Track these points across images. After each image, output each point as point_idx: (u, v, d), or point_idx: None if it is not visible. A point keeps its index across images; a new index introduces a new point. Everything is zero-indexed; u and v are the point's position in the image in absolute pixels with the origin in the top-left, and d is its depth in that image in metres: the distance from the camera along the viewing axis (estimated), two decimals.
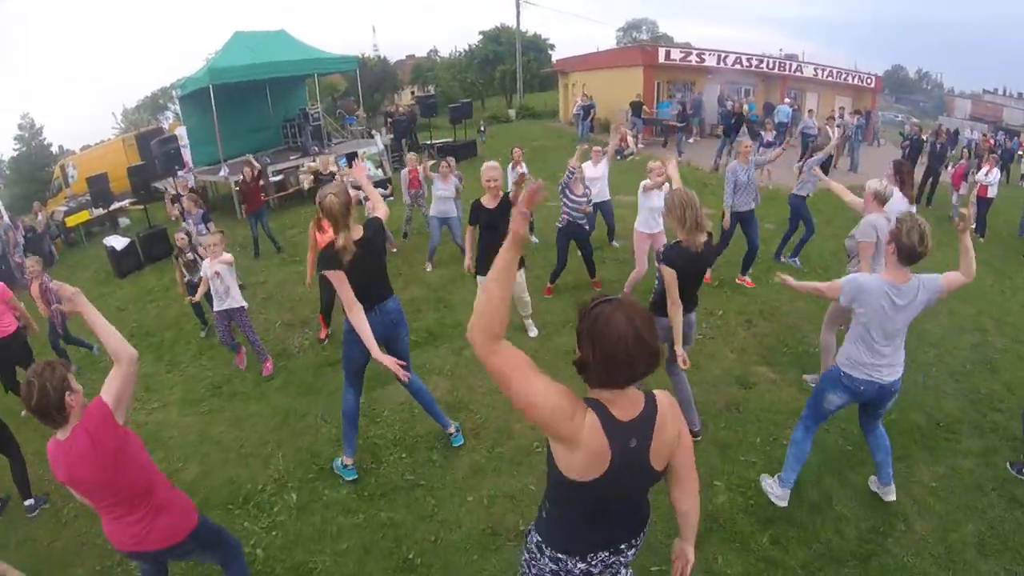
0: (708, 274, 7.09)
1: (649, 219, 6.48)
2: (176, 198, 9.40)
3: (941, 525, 3.59)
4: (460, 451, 4.34)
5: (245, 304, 5.85)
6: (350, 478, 4.12)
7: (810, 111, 18.21)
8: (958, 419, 4.68)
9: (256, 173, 10.05)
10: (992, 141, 17.69)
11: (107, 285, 9.94)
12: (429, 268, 8.31)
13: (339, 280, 3.50)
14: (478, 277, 5.35)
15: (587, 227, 6.89)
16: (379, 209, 3.85)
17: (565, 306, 6.78)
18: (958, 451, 4.29)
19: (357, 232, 3.61)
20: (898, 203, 5.49)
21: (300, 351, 6.29)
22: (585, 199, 6.60)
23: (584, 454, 1.69)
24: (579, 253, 6.93)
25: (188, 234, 6.92)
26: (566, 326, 6.29)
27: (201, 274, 5.83)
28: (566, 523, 1.91)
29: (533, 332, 6.11)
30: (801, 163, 8.05)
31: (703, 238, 3.79)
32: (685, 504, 2.01)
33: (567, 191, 6.50)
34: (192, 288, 6.41)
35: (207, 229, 8.16)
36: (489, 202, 5.24)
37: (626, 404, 1.76)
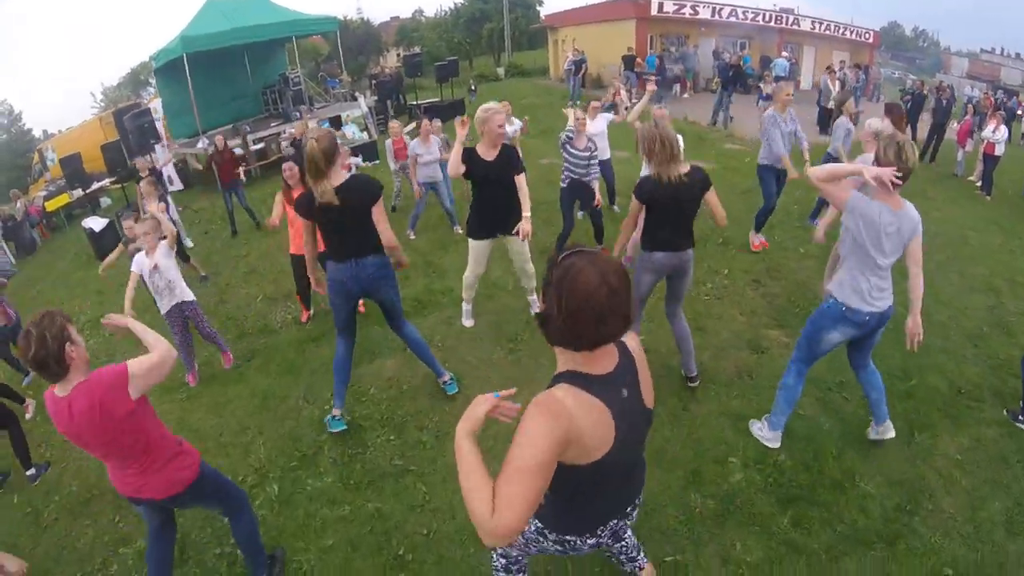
0: (758, 240, 6.77)
1: None
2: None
3: (968, 502, 3.38)
4: (452, 432, 3.99)
5: (193, 297, 5.05)
6: (337, 429, 4.04)
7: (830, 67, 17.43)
8: (978, 385, 4.46)
9: (225, 144, 9.53)
10: (993, 99, 17.20)
11: (89, 268, 9.38)
12: (412, 236, 7.80)
13: (307, 227, 3.59)
14: (471, 241, 4.81)
15: (593, 183, 6.33)
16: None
17: None
18: (981, 420, 4.06)
19: (339, 179, 3.42)
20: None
21: (283, 326, 5.94)
22: (588, 154, 6.04)
23: (587, 438, 1.55)
24: (584, 214, 6.50)
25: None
26: None
27: (133, 270, 4.82)
28: (572, 507, 1.79)
29: (537, 308, 5.29)
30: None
31: (680, 168, 3.68)
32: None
33: (568, 147, 6.04)
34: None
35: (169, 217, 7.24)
36: (487, 152, 4.46)
37: (600, 357, 1.63)
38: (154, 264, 4.73)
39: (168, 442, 2.59)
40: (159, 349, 2.45)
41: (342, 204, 3.38)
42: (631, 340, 1.76)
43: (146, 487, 2.54)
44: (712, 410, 4.12)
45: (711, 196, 3.83)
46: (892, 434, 3.71)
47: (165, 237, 4.82)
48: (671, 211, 3.78)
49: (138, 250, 4.90)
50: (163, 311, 4.95)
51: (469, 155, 4.41)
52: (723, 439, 3.85)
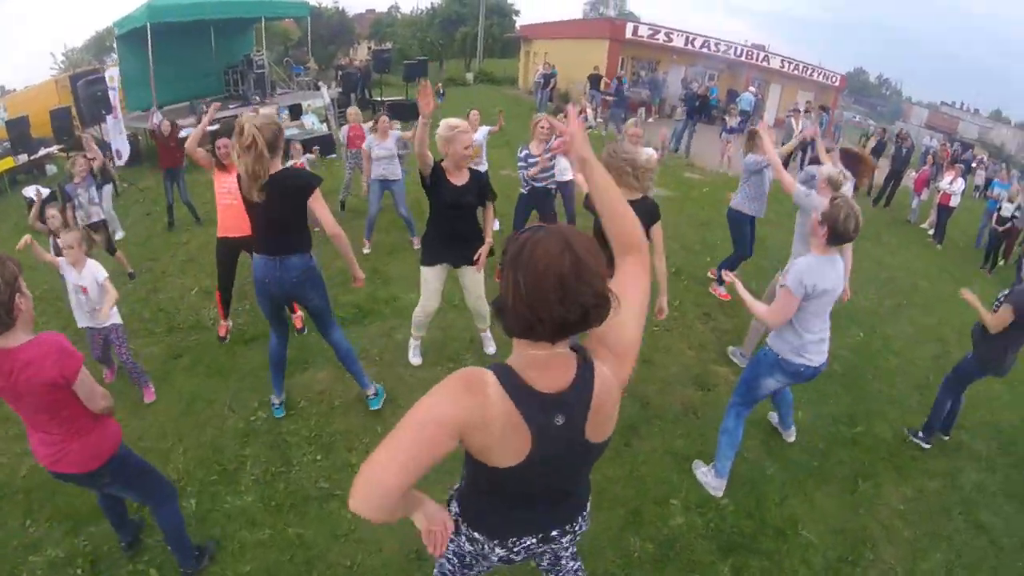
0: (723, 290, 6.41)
1: None
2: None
3: (910, 552, 3.43)
4: None
5: (120, 321, 4.41)
6: (278, 415, 4.10)
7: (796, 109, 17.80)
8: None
9: (172, 129, 8.69)
10: (950, 151, 17.96)
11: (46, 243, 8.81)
12: (367, 249, 7.09)
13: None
14: (423, 268, 4.31)
15: (553, 192, 6.13)
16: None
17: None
18: (924, 471, 4.15)
19: (275, 167, 3.26)
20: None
21: (215, 323, 5.56)
22: (547, 155, 5.68)
23: (491, 437, 1.35)
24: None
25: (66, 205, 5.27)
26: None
27: (63, 276, 4.21)
28: (483, 503, 1.63)
29: (491, 348, 4.97)
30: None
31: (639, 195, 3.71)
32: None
33: (528, 154, 5.82)
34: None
35: (99, 202, 6.70)
36: (456, 175, 4.02)
37: (551, 370, 1.38)
38: (81, 286, 4.10)
39: (86, 417, 2.46)
40: (102, 401, 2.44)
41: (269, 197, 3.24)
42: (606, 367, 1.46)
43: (65, 458, 2.44)
44: (656, 447, 4.04)
45: (656, 231, 3.78)
46: (793, 439, 4.16)
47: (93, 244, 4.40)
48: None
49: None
50: (79, 324, 4.33)
51: (436, 173, 3.95)
52: (665, 479, 3.77)
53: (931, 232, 11.33)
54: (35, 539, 3.28)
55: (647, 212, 3.63)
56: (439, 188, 3.96)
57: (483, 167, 6.96)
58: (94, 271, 4.10)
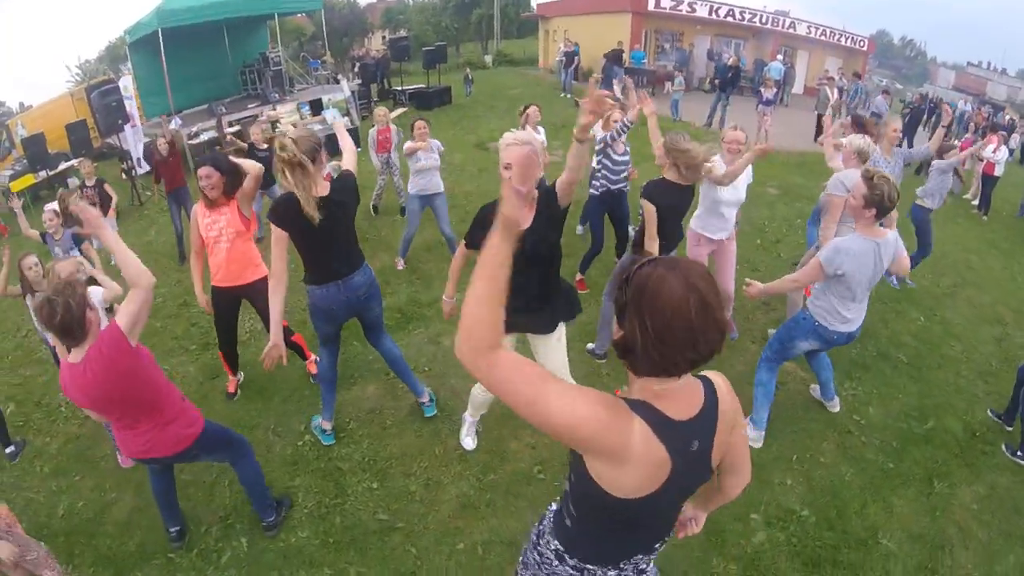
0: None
1: (711, 217, 4.55)
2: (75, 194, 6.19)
3: (985, 555, 3.31)
4: (444, 479, 3.56)
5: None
6: (327, 443, 3.89)
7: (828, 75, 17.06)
8: (991, 427, 4.34)
9: (171, 147, 7.49)
10: (985, 115, 17.16)
11: (51, 259, 8.70)
12: (401, 265, 6.51)
13: (278, 241, 3.05)
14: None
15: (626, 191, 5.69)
16: (349, 161, 3.37)
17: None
18: (995, 466, 3.97)
19: (323, 189, 3.05)
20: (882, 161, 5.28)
21: (251, 336, 5.35)
22: (628, 160, 5.44)
23: (636, 471, 1.31)
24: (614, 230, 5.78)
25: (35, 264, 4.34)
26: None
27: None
28: (599, 535, 1.57)
29: None
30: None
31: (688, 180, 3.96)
32: (735, 491, 1.77)
33: (608, 152, 5.36)
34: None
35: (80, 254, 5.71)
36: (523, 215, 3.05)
37: (682, 398, 1.38)
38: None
39: (174, 396, 2.77)
40: (140, 284, 2.51)
41: (329, 216, 3.02)
42: (718, 378, 1.49)
43: (155, 446, 2.71)
44: None
45: None
46: (837, 409, 4.23)
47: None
48: (674, 213, 4.05)
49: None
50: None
51: (488, 217, 2.52)
52: (745, 492, 3.46)
53: (975, 203, 10.82)
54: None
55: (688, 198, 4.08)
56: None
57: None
58: (95, 296, 3.71)
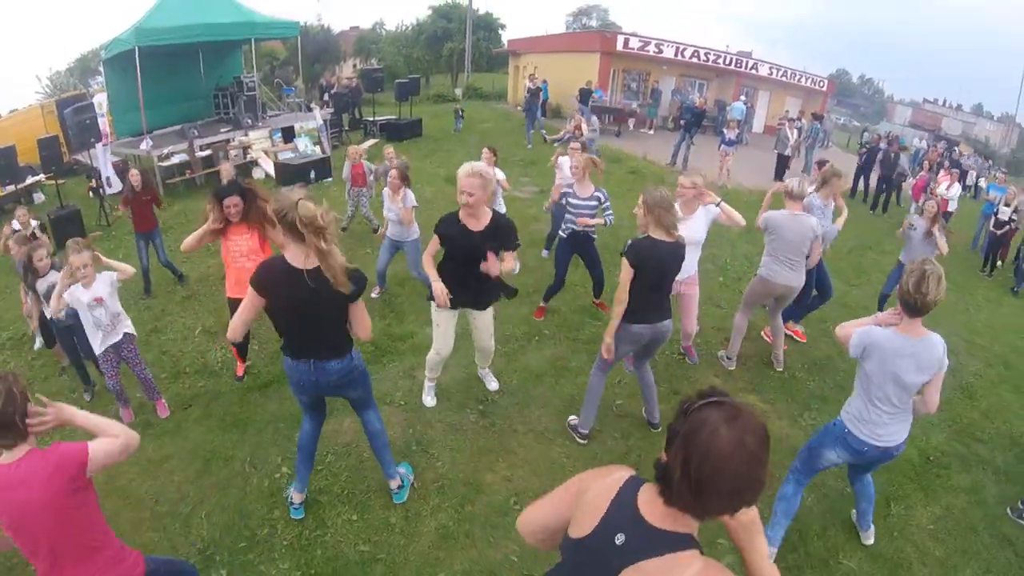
0: (800, 330, 6.19)
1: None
2: (28, 237, 6.00)
3: (943, 571, 3.52)
4: (423, 511, 3.62)
5: (133, 331, 4.56)
6: (296, 516, 3.56)
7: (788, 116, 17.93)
8: (945, 452, 4.64)
9: (142, 180, 7.25)
10: (939, 152, 18.08)
11: (12, 275, 8.48)
12: (376, 293, 6.62)
13: (251, 304, 2.85)
14: (435, 312, 4.21)
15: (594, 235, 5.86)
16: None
17: (528, 313, 6.18)
18: (950, 488, 4.24)
19: (310, 261, 2.72)
20: (818, 202, 5.58)
21: (223, 367, 5.35)
22: (595, 202, 5.55)
23: None
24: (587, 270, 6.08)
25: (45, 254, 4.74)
26: (532, 340, 5.70)
27: (66, 299, 4.22)
28: None
29: (493, 384, 4.88)
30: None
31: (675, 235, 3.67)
32: None
33: (570, 199, 5.58)
34: (66, 332, 4.80)
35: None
36: (472, 222, 3.86)
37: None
38: (95, 297, 4.19)
39: (112, 541, 2.25)
40: (124, 437, 2.16)
41: (312, 296, 2.75)
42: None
43: None
44: None
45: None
46: (872, 541, 3.66)
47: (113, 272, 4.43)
48: (661, 276, 3.74)
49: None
50: (97, 350, 4.35)
51: (449, 224, 3.87)
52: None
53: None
54: None
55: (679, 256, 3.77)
56: (453, 237, 3.87)
57: (501, 208, 6.80)
58: (103, 279, 4.30)
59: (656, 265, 3.65)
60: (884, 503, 3.94)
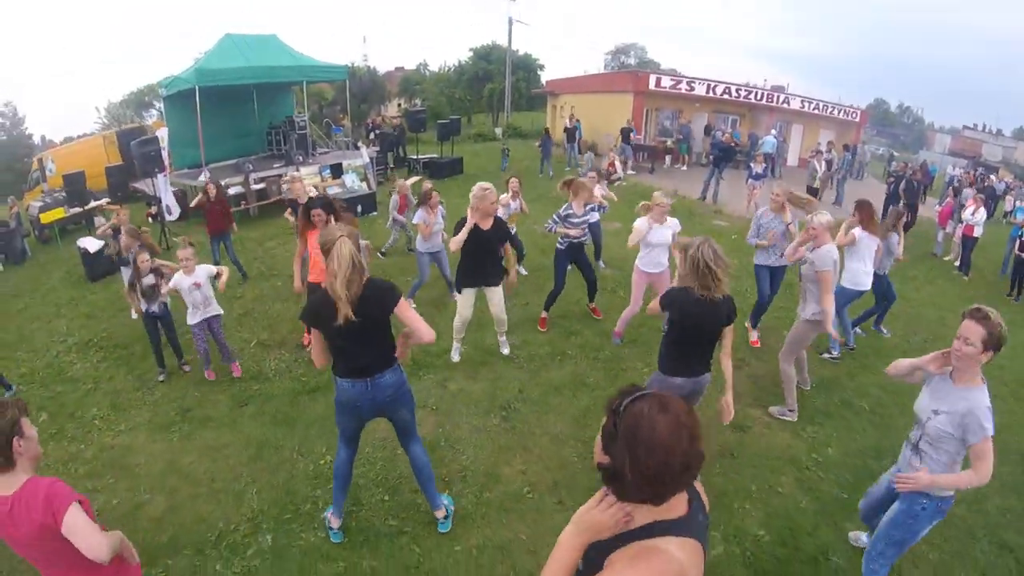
0: (755, 336, 6.81)
1: (650, 257, 6.06)
2: (116, 231, 7.59)
3: (934, 574, 3.61)
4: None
5: (221, 311, 5.97)
6: (336, 540, 3.74)
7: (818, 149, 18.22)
8: None
9: (217, 192, 8.88)
10: (974, 177, 18.01)
11: (78, 288, 9.44)
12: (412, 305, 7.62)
13: (316, 337, 3.22)
14: (464, 290, 5.67)
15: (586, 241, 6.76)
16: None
17: (553, 337, 6.63)
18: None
19: (356, 288, 3.05)
20: (865, 241, 6.08)
21: (276, 375, 5.98)
22: (586, 217, 6.46)
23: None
24: (582, 274, 6.90)
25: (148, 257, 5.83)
26: (555, 359, 6.14)
27: (172, 286, 5.64)
28: None
29: (506, 350, 6.25)
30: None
31: (719, 295, 3.50)
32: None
33: (568, 220, 6.34)
34: (152, 321, 5.90)
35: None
36: (484, 223, 5.34)
37: (675, 505, 1.48)
38: (195, 282, 5.63)
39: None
40: (101, 548, 2.14)
41: (359, 317, 3.03)
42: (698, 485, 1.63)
43: None
44: None
45: (729, 330, 3.69)
46: None
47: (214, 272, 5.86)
48: (698, 330, 3.61)
49: (148, 284, 5.74)
50: (192, 322, 5.77)
51: (468, 227, 5.30)
52: None
53: (957, 264, 11.31)
54: None
55: (729, 312, 3.62)
56: (470, 236, 5.24)
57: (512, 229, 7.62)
58: (203, 269, 5.74)
59: (692, 321, 3.57)
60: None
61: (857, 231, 6.08)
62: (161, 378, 6.03)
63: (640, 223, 5.92)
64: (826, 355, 6.48)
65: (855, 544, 3.78)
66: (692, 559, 1.41)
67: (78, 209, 13.28)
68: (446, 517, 3.85)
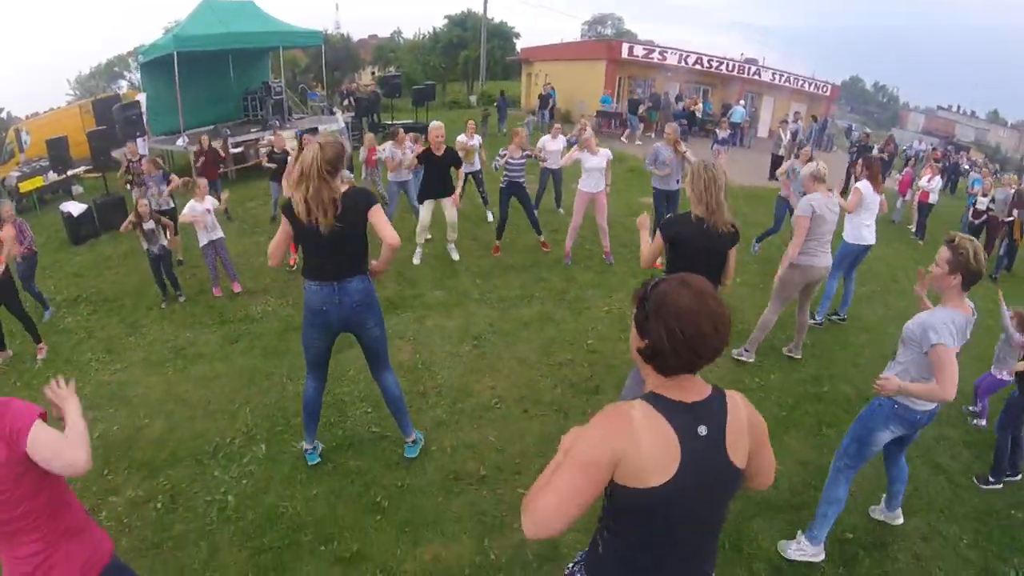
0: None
1: (589, 179, 7.41)
2: (130, 165, 9.17)
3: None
4: (423, 407, 4.56)
5: (223, 235, 7.07)
6: (312, 462, 3.95)
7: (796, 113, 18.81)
8: None
9: (209, 144, 10.51)
10: (940, 153, 18.63)
11: (62, 252, 9.59)
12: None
13: (283, 228, 3.25)
14: (424, 202, 7.40)
15: (524, 183, 7.92)
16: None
17: (524, 282, 7.09)
18: None
19: (338, 188, 3.17)
20: (871, 196, 6.21)
21: (263, 316, 6.37)
22: (523, 162, 7.79)
23: (643, 455, 1.43)
24: (524, 212, 8.11)
25: (148, 203, 6.99)
26: (524, 300, 6.60)
27: (187, 212, 6.78)
28: (625, 558, 1.60)
29: (455, 255, 7.85)
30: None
31: (724, 220, 3.50)
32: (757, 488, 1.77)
33: (509, 160, 7.68)
34: (155, 259, 6.85)
35: (167, 190, 8.44)
36: (437, 150, 7.09)
37: (688, 387, 1.52)
38: (207, 208, 6.82)
39: (77, 509, 2.03)
40: (78, 452, 1.84)
41: (340, 222, 3.14)
42: (737, 396, 1.61)
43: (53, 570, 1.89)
44: None
45: (732, 253, 3.68)
46: (901, 520, 3.69)
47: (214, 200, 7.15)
48: (702, 255, 3.51)
49: (148, 228, 6.68)
50: (201, 243, 6.90)
51: (426, 155, 7.14)
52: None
53: (913, 230, 11.90)
54: (114, 485, 3.87)
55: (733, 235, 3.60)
56: (429, 160, 7.08)
57: (477, 167, 9.64)
58: (208, 200, 6.98)
59: (692, 246, 3.52)
60: (817, 426, 4.56)
61: (862, 184, 6.26)
62: (164, 305, 6.88)
63: (574, 152, 7.53)
64: (812, 320, 6.48)
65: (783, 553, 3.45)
66: (647, 424, 1.44)
67: (56, 177, 13.35)
68: (414, 443, 4.02)
